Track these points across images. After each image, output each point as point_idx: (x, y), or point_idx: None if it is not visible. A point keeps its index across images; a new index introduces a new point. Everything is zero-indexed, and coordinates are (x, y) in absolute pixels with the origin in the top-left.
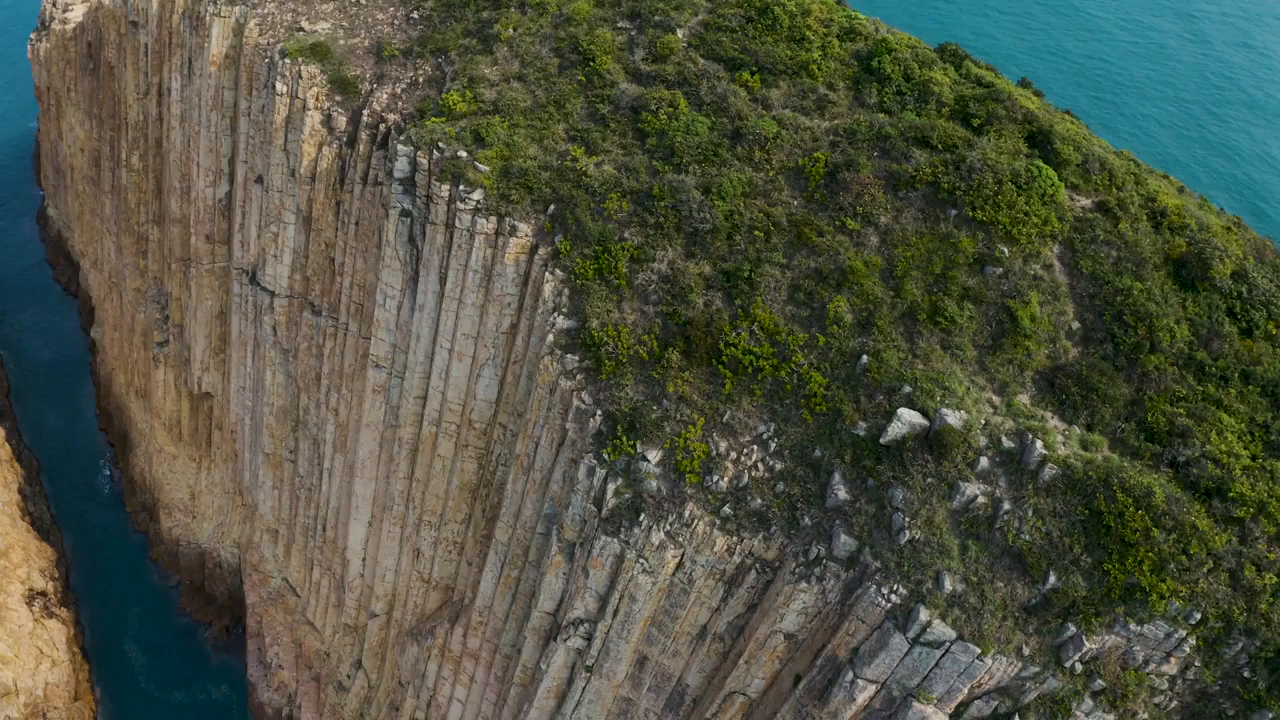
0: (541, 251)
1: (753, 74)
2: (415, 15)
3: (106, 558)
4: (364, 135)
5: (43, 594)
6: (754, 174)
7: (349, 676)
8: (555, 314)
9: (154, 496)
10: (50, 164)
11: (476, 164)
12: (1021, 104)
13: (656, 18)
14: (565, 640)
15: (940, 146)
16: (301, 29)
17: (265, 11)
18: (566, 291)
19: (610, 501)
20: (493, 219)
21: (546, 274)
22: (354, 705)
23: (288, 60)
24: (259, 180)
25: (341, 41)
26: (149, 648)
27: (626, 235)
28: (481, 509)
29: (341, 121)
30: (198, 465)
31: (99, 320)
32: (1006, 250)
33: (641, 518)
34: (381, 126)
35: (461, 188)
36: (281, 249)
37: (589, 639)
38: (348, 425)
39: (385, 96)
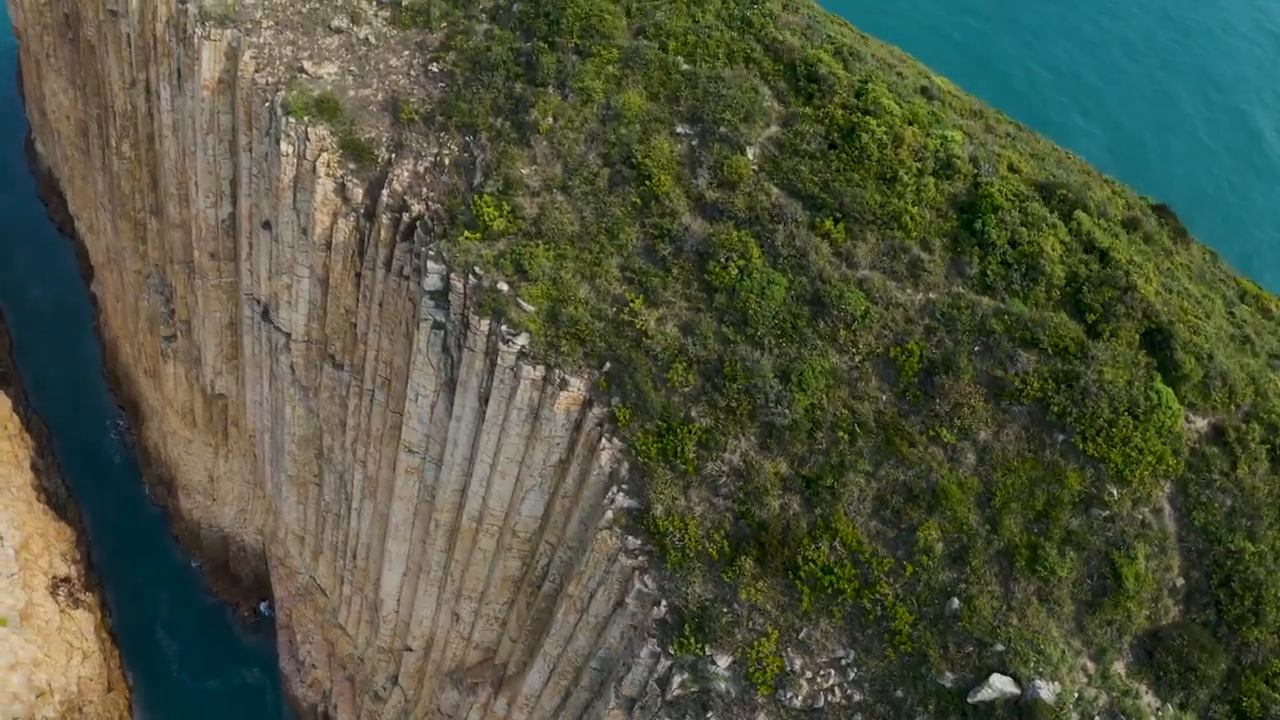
0: (596, 410)
1: (836, 222)
2: (435, 69)
3: (127, 533)
4: (385, 219)
5: (66, 580)
6: (838, 359)
7: (385, 688)
8: (615, 489)
9: (170, 473)
10: (35, 105)
11: (520, 301)
12: (1140, 291)
13: (722, 129)
14: None
15: (1050, 350)
16: (304, 70)
17: (261, 41)
18: (626, 465)
19: (675, 690)
20: (540, 367)
21: (604, 440)
22: (391, 716)
23: (292, 119)
24: (266, 226)
25: (351, 93)
26: (178, 632)
27: (694, 414)
28: (527, 601)
29: (358, 193)
30: (215, 451)
31: (99, 279)
32: (1116, 492)
33: (709, 715)
34: (405, 216)
35: (504, 327)
36: (296, 298)
37: None
38: (377, 481)
39: (406, 175)
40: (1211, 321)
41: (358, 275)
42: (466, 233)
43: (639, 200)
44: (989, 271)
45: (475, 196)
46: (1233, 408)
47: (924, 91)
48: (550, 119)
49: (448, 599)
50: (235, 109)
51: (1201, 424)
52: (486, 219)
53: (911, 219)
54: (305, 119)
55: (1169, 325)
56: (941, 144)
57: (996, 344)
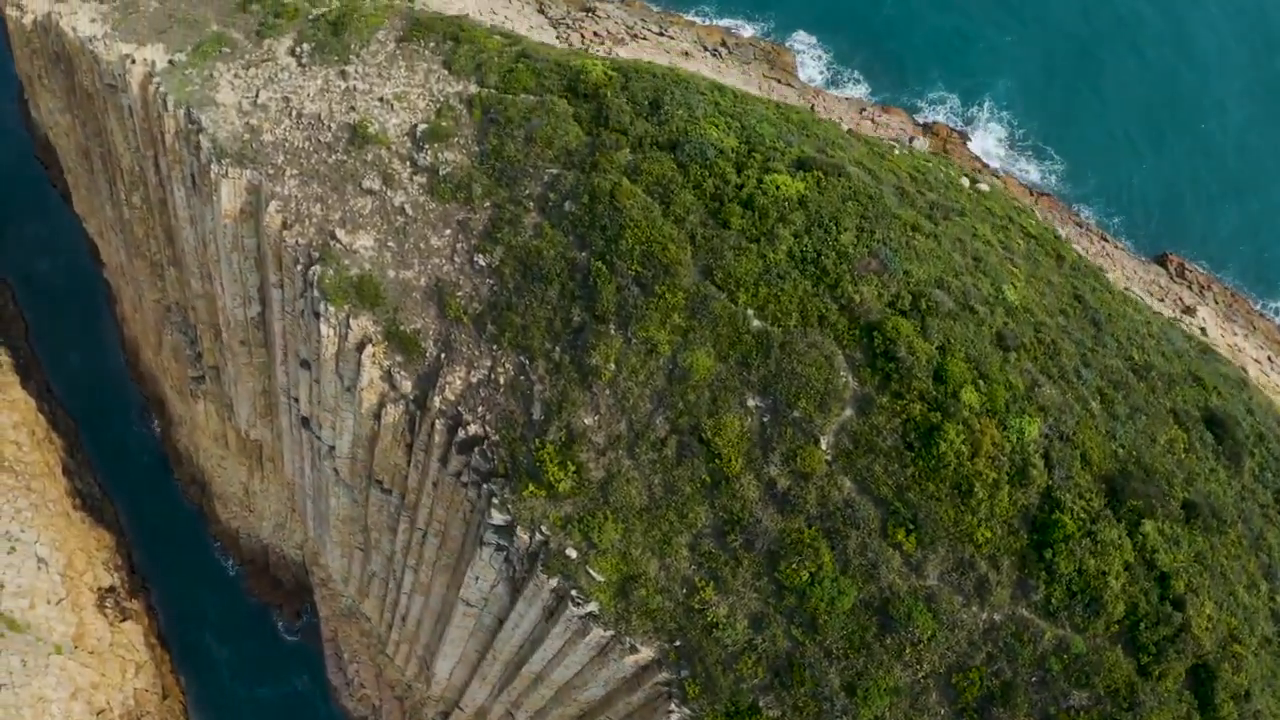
0: (665, 674)
1: (909, 533)
2: (481, 261)
3: (164, 533)
4: (438, 424)
5: (112, 590)
6: (902, 673)
7: None
8: None
9: (204, 478)
10: (29, 82)
11: (590, 571)
12: (1193, 630)
13: (795, 413)
14: None
15: (1102, 690)
16: (336, 238)
17: (285, 193)
18: None
19: None
20: (610, 630)
21: (673, 704)
22: None
23: (332, 307)
24: (305, 365)
25: (391, 273)
26: (226, 636)
27: (761, 704)
28: None
29: (406, 385)
30: (250, 472)
31: (111, 274)
32: None
33: None
34: (461, 431)
35: (574, 592)
36: (340, 430)
37: None
38: (430, 588)
39: (459, 382)
40: (1255, 636)
41: (409, 448)
42: (531, 486)
43: (708, 478)
44: (1054, 599)
45: (537, 445)
46: None
47: (999, 340)
48: (613, 365)
49: (504, 701)
50: (260, 239)
51: None
52: (551, 477)
53: (984, 537)
54: (346, 307)
55: (1215, 665)
56: (1018, 440)
57: (1053, 680)
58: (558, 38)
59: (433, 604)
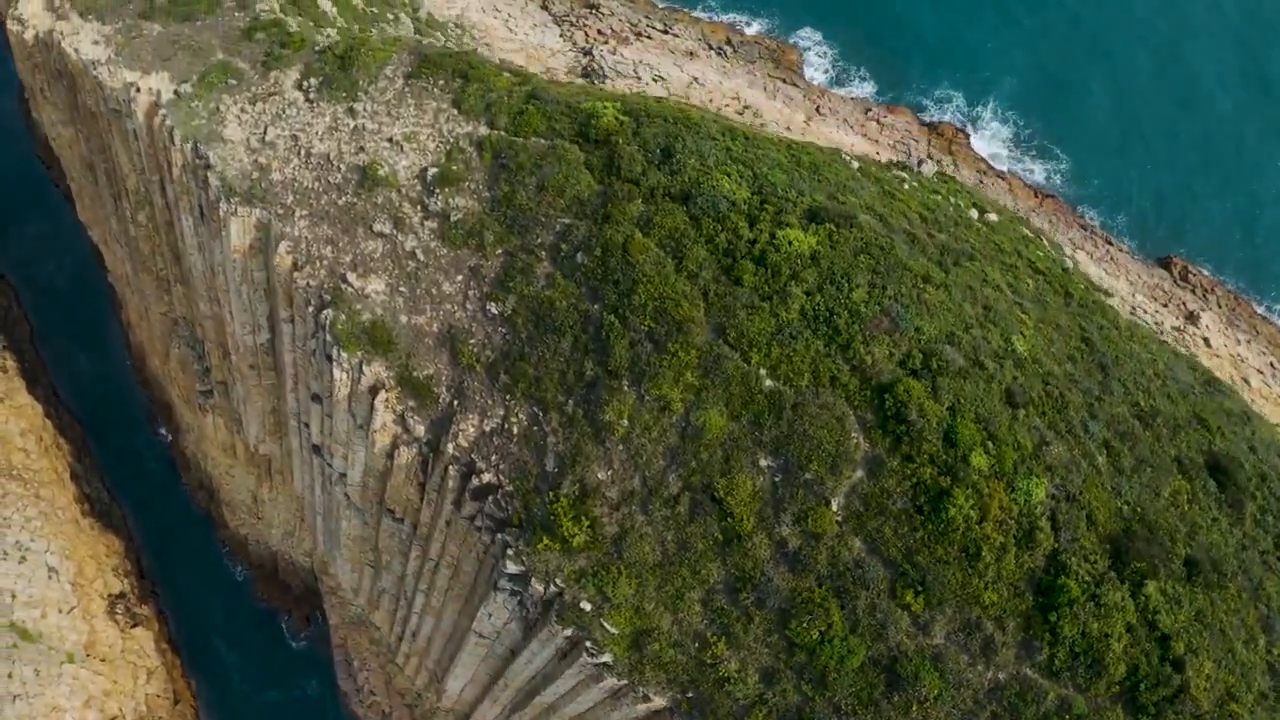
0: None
1: (917, 594)
2: (494, 309)
3: (173, 537)
4: (452, 470)
5: (122, 596)
6: None
7: None
8: None
9: (212, 485)
10: (31, 87)
11: (604, 624)
12: (1192, 692)
13: (807, 475)
14: None
15: None
16: (348, 281)
17: (296, 233)
18: None
19: None
20: (623, 680)
21: None
22: None
23: (345, 354)
24: (316, 399)
25: (403, 318)
26: (235, 641)
27: None
28: None
29: (419, 429)
30: (258, 480)
31: (116, 279)
32: None
33: None
34: (475, 479)
35: (588, 644)
36: (351, 461)
37: None
38: (441, 614)
39: (472, 430)
40: (1252, 693)
41: (421, 486)
42: (546, 539)
43: (720, 536)
44: (1057, 660)
45: (551, 498)
46: None
47: (1009, 397)
48: (626, 421)
49: None
50: (270, 274)
51: None
52: (566, 531)
53: (990, 600)
54: (359, 353)
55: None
56: (1025, 502)
57: None
58: (561, 35)
59: (444, 627)
